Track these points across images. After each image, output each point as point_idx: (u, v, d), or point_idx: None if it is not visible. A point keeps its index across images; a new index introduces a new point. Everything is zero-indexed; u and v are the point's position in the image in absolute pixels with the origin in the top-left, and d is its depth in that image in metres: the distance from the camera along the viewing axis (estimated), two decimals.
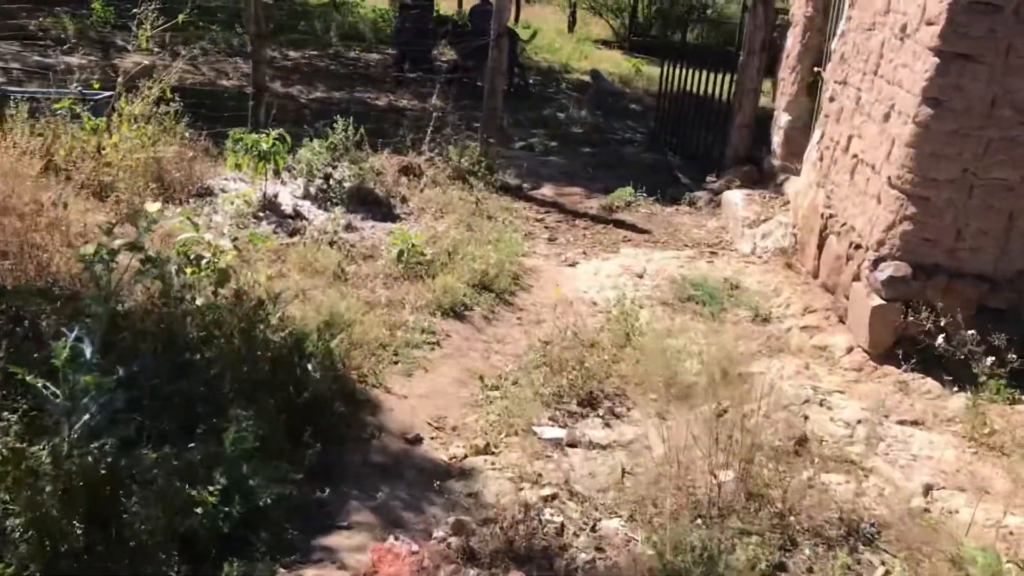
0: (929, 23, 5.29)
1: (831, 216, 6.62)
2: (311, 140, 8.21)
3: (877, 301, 5.57)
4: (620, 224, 8.66)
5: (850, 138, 6.42)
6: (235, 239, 5.27)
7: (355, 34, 18.96)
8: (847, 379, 5.53)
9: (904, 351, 5.49)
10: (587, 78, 18.88)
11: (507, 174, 9.65)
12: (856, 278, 5.89)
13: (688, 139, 10.71)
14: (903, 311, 5.50)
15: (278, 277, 6.00)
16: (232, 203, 6.82)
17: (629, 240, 8.23)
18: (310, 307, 5.56)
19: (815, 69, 8.23)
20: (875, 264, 5.65)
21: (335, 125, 8.41)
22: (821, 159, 7.02)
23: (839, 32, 6.96)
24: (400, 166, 8.92)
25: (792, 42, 8.50)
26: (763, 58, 8.96)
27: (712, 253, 7.78)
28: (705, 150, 10.23)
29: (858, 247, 5.96)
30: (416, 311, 6.03)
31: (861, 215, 5.99)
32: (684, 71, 10.85)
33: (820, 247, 6.74)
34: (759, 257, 7.52)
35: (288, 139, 7.16)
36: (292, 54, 16.88)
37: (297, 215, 7.15)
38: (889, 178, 5.58)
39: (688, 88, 10.73)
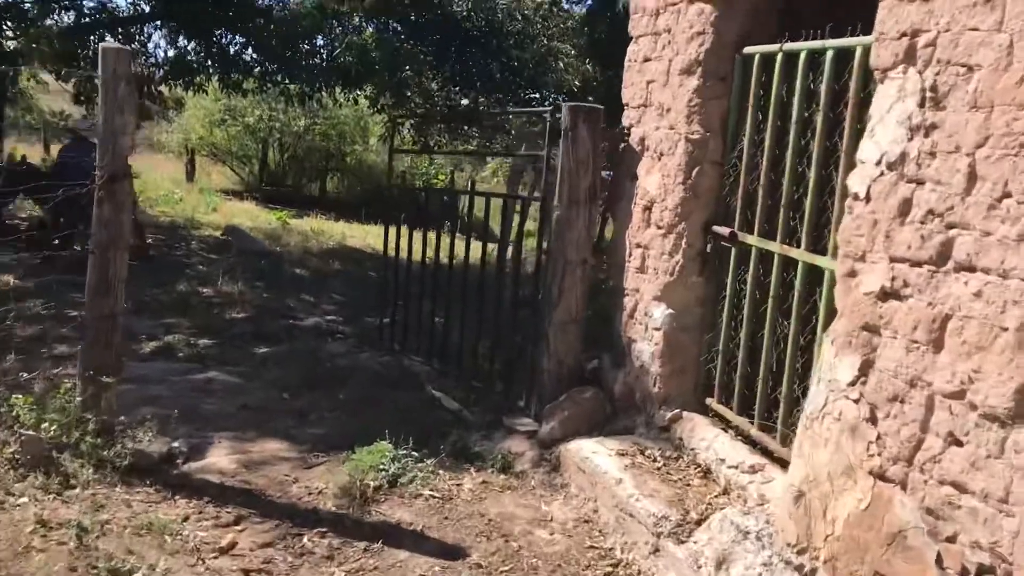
0: None
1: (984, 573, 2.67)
2: None
3: None
4: (395, 536, 4.03)
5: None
6: None
7: None
8: None
9: None
10: (225, 236, 14.12)
11: (141, 431, 4.68)
12: None
13: (445, 337, 6.36)
14: None
15: None
16: None
17: None
18: None
19: (715, 229, 4.41)
20: None
21: None
22: (873, 420, 3.09)
23: (878, 160, 3.16)
24: None
25: (660, 186, 4.63)
26: (593, 211, 5.00)
27: None
28: (488, 356, 5.97)
29: None
30: None
31: None
32: (427, 230, 6.61)
33: None
34: None
35: None
36: None
37: None
38: None
39: (434, 254, 6.49)
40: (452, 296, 6.32)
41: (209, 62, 12.81)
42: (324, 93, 12.72)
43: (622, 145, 5.04)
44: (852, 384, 3.19)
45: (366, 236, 16.76)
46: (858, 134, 3.51)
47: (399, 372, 6.46)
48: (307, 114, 20.56)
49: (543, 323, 5.07)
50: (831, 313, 3.56)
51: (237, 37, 12.92)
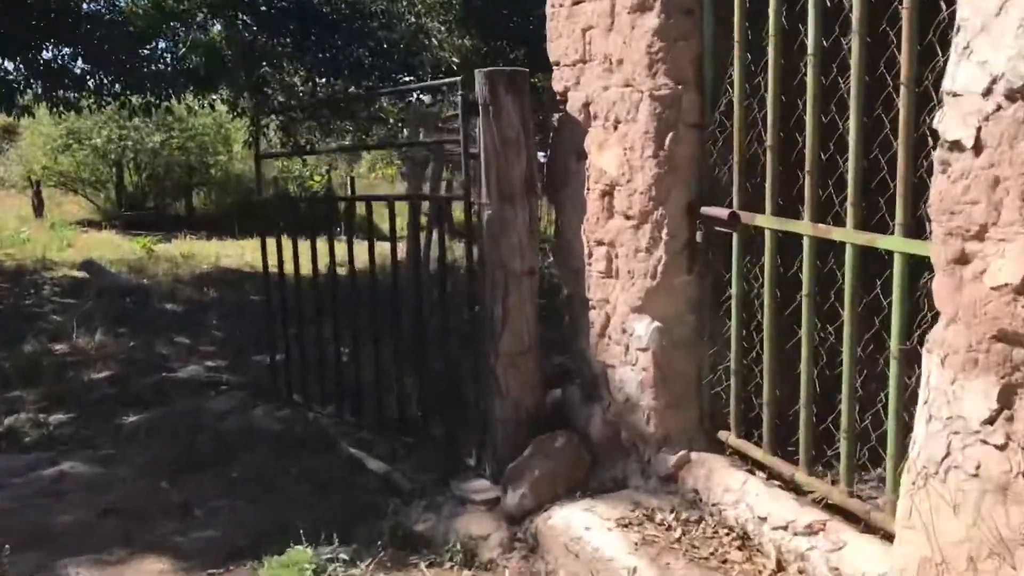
0: None
1: None
2: None
3: None
4: None
5: None
6: None
7: None
8: None
9: None
10: (81, 274, 12.41)
11: None
12: None
13: (355, 376, 5.08)
14: None
15: None
16: None
17: None
18: None
19: (705, 211, 3.32)
20: None
21: None
22: None
23: (987, 89, 2.11)
24: None
25: (622, 163, 3.49)
26: (533, 205, 3.83)
27: None
28: (417, 398, 4.73)
29: None
30: None
31: None
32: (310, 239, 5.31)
33: None
34: None
35: None
36: None
37: None
38: None
39: (328, 268, 5.19)
40: (358, 322, 5.06)
41: (32, 80, 11.02)
42: (173, 101, 11.09)
43: (557, 115, 3.89)
44: (990, 422, 2.15)
45: (243, 253, 15.18)
46: (920, 57, 2.48)
47: (303, 429, 5.17)
48: (161, 128, 18.67)
49: (487, 356, 3.89)
50: (911, 314, 2.53)
51: (63, 49, 11.18)
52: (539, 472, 3.59)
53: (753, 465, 3.24)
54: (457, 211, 5.12)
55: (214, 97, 13.10)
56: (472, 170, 3.94)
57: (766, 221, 3.05)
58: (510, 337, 3.81)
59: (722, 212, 3.19)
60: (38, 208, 19.48)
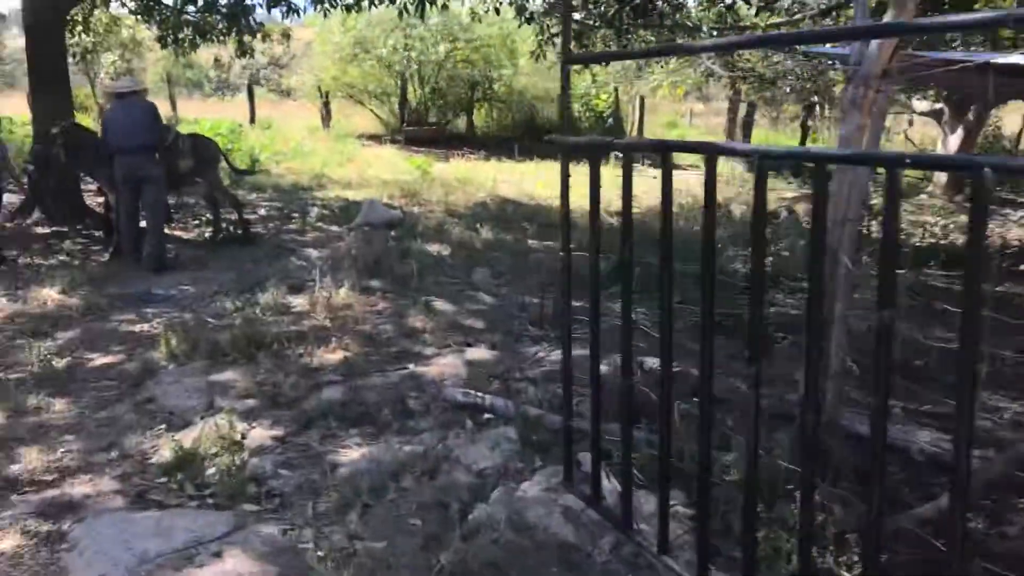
0: None
1: None
2: None
3: None
4: None
5: None
6: None
7: None
8: None
9: None
10: (353, 196, 10.95)
11: None
12: None
13: (749, 479, 2.51)
14: None
15: None
16: None
17: None
18: None
19: None
20: None
21: None
22: None
23: None
24: None
25: None
26: None
27: None
28: None
29: None
30: None
31: None
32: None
33: None
34: None
35: None
36: None
37: None
38: None
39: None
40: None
41: None
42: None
43: None
44: None
45: (521, 179, 13.14)
46: None
47: (612, 555, 2.78)
48: (446, 38, 16.91)
49: None
50: None
51: None
52: None
53: None
54: None
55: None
56: None
57: None
58: None
59: None
60: (326, 119, 18.66)
